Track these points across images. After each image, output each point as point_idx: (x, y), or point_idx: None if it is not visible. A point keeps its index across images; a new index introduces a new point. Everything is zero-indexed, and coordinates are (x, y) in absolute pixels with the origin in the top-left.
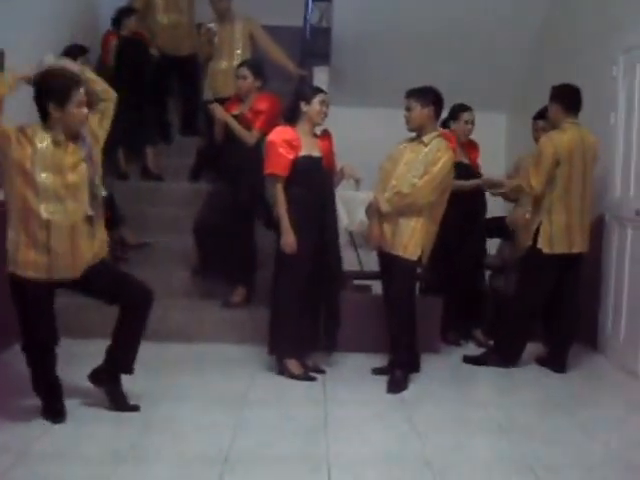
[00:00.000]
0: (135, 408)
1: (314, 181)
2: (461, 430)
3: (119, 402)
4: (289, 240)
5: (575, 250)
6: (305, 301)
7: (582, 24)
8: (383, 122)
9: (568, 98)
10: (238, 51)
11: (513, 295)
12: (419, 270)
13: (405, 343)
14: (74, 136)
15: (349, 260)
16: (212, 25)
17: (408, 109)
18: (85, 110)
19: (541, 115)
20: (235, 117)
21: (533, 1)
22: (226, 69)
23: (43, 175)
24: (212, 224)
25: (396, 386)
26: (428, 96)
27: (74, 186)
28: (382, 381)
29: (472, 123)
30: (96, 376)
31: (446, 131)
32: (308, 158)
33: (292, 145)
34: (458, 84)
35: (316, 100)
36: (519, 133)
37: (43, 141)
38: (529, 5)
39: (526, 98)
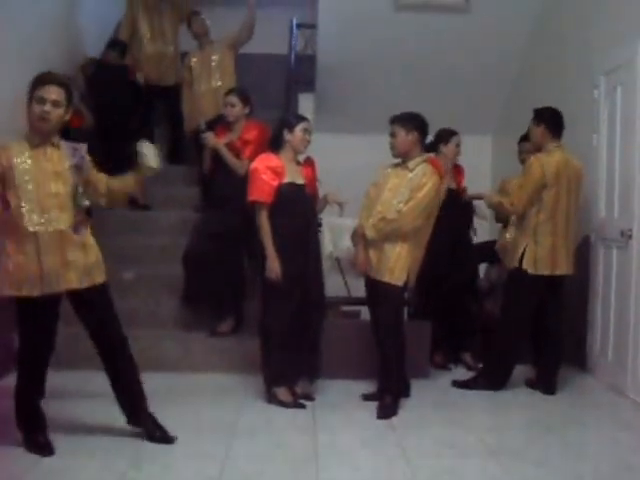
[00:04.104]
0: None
1: (298, 208)
2: (451, 454)
3: (154, 435)
4: (274, 267)
5: (558, 272)
6: (292, 328)
7: (564, 47)
8: (368, 148)
9: (553, 121)
10: (217, 76)
11: (499, 318)
12: (407, 295)
13: (394, 368)
14: (50, 140)
15: (336, 286)
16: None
17: (392, 135)
18: (47, 108)
19: (527, 137)
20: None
21: (516, 25)
22: (204, 93)
23: (27, 186)
24: (201, 252)
25: (386, 412)
26: (412, 122)
27: (58, 195)
28: (372, 407)
29: (460, 146)
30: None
31: (434, 157)
32: (292, 185)
33: (276, 172)
34: (443, 108)
35: (299, 128)
36: (505, 155)
37: (22, 153)
38: (512, 29)
39: (511, 120)
